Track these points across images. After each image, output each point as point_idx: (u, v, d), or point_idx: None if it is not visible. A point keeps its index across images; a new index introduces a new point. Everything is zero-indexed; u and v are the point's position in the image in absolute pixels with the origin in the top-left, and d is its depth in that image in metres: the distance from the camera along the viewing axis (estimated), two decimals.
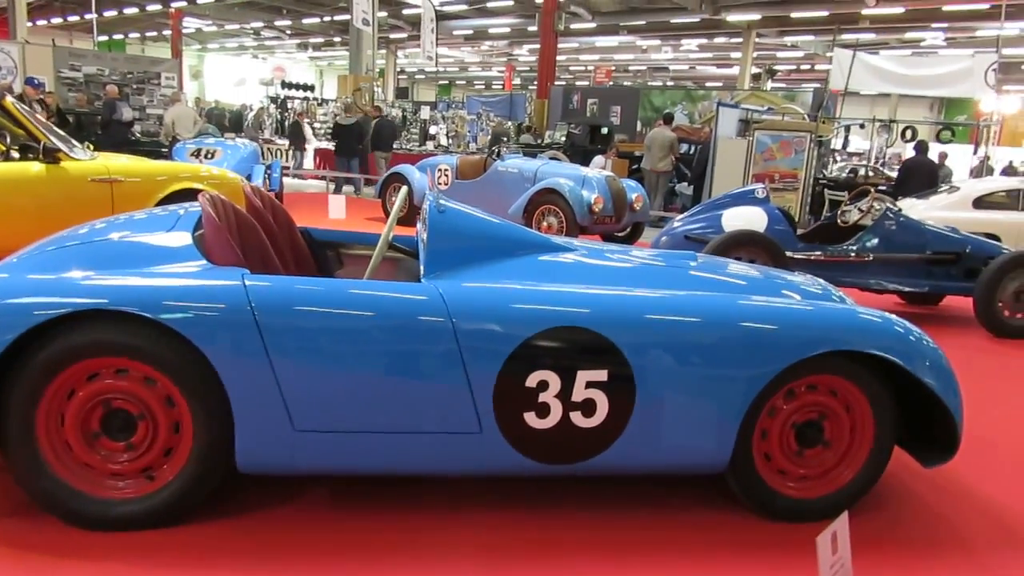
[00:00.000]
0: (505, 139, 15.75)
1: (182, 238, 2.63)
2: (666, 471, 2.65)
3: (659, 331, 2.50)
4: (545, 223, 8.54)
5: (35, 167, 4.92)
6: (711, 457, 2.59)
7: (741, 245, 5.60)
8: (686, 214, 6.74)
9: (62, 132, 5.50)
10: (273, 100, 20.77)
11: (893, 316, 2.73)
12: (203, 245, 2.61)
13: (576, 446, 2.50)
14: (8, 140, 5.35)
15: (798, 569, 2.40)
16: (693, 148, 13.04)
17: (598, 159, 12.72)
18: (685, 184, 13.03)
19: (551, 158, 10.37)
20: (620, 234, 9.48)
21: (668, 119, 12.78)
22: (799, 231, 6.46)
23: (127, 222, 2.96)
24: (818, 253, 6.01)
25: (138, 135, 13.41)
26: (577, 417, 2.47)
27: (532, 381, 2.42)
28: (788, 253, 5.77)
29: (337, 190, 13.55)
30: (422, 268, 2.63)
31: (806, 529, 2.58)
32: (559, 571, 2.32)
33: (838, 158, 16.64)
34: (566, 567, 2.34)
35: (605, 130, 16.31)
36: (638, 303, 2.54)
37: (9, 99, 4.91)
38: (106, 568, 2.19)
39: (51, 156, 4.94)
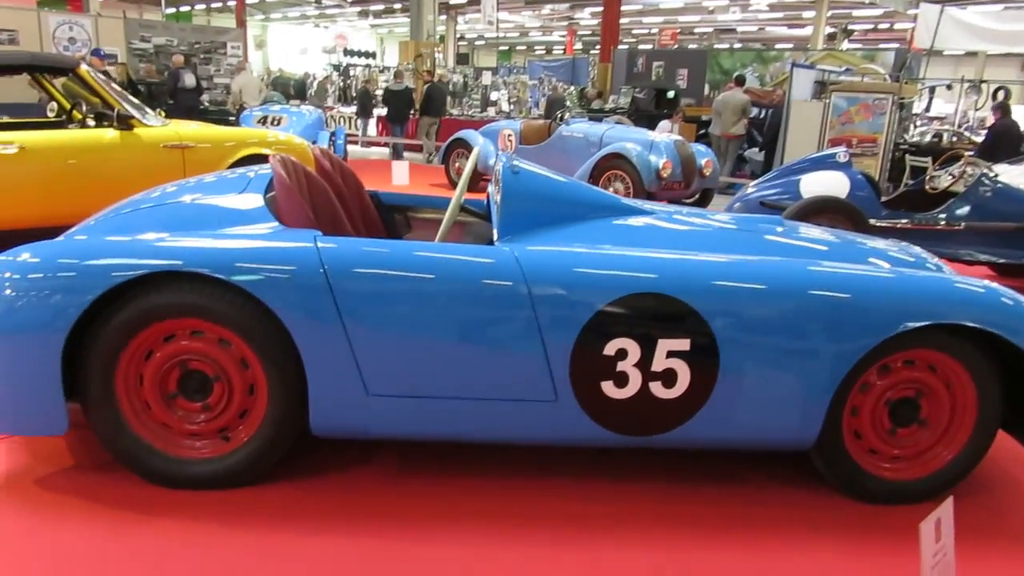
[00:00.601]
0: (567, 105, 15.46)
1: (254, 200, 2.61)
2: (748, 446, 2.53)
3: (746, 299, 2.36)
4: (611, 189, 8.35)
5: (110, 134, 5.00)
6: (797, 433, 2.45)
7: (821, 212, 5.34)
8: (761, 179, 6.47)
9: (135, 100, 5.57)
10: (335, 68, 20.87)
11: (999, 286, 2.53)
12: (274, 207, 2.58)
13: (655, 417, 2.40)
14: (84, 108, 5.45)
15: (887, 552, 2.27)
16: (764, 112, 12.55)
17: (664, 124, 12.37)
18: (756, 150, 12.59)
19: (616, 123, 10.13)
20: (688, 201, 9.22)
21: (740, 81, 12.31)
22: (883, 198, 6.14)
23: (199, 185, 2.95)
24: (904, 221, 5.70)
25: (206, 104, 13.62)
26: (657, 387, 2.37)
27: (610, 349, 2.33)
28: (872, 220, 5.49)
29: (398, 156, 13.58)
30: (495, 231, 2.55)
31: (896, 512, 2.45)
32: (635, 544, 2.24)
33: (919, 122, 15.85)
34: (642, 540, 2.26)
35: (671, 94, 15.84)
36: (724, 269, 2.40)
37: (84, 67, 4.98)
38: (181, 525, 2.21)
39: (125, 123, 5.01)
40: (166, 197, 2.81)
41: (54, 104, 5.86)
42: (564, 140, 9.12)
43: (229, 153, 5.50)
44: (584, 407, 2.38)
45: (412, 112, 13.81)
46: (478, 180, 9.34)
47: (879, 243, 3.04)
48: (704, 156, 8.80)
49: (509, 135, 9.68)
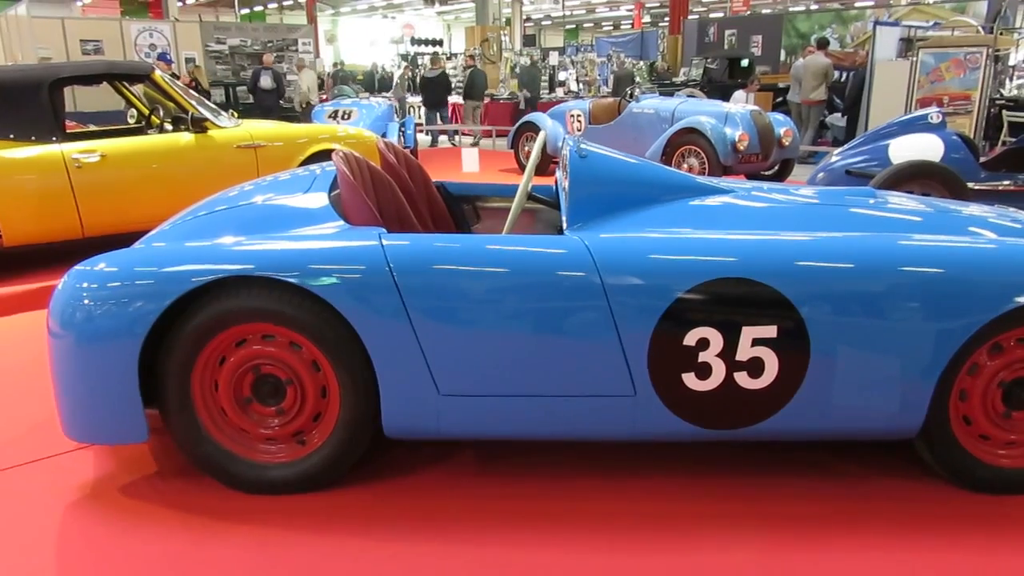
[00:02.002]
0: (636, 81, 15.12)
1: (319, 199, 2.58)
2: (845, 437, 2.36)
3: (837, 280, 2.19)
4: (685, 165, 8.10)
5: (185, 137, 5.11)
6: (899, 421, 2.27)
7: (913, 178, 5.01)
8: (845, 147, 6.12)
9: (208, 102, 5.68)
10: (403, 57, 21.00)
11: None
12: (339, 205, 2.54)
13: (742, 409, 2.26)
14: (161, 113, 5.59)
15: (1004, 547, 2.07)
16: (845, 75, 11.95)
17: (739, 94, 11.92)
18: (838, 115, 12.01)
19: (688, 97, 9.81)
20: (767, 173, 8.87)
21: (822, 44, 11.74)
22: (981, 159, 5.71)
23: (269, 184, 2.95)
24: (1007, 183, 5.28)
25: (286, 102, 13.83)
26: (743, 378, 2.22)
27: (691, 339, 2.19)
28: (970, 185, 5.11)
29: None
30: (564, 219, 2.44)
31: (1013, 503, 2.24)
32: (732, 545, 2.11)
33: (1016, 75, 14.79)
34: (739, 541, 2.13)
35: (745, 62, 15.26)
36: (810, 249, 2.23)
37: (159, 73, 5.10)
38: (256, 531, 2.20)
39: (199, 125, 5.12)
40: (237, 199, 2.81)
41: (134, 111, 6.04)
42: (635, 117, 8.89)
43: (300, 150, 5.56)
44: (665, 401, 2.26)
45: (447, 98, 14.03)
46: (548, 163, 9.22)
47: (980, 210, 2.79)
48: (782, 125, 8.43)
49: (577, 115, 9.50)
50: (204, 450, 2.38)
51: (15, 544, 2.17)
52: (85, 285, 2.30)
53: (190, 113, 5.07)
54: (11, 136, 4.60)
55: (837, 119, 12.08)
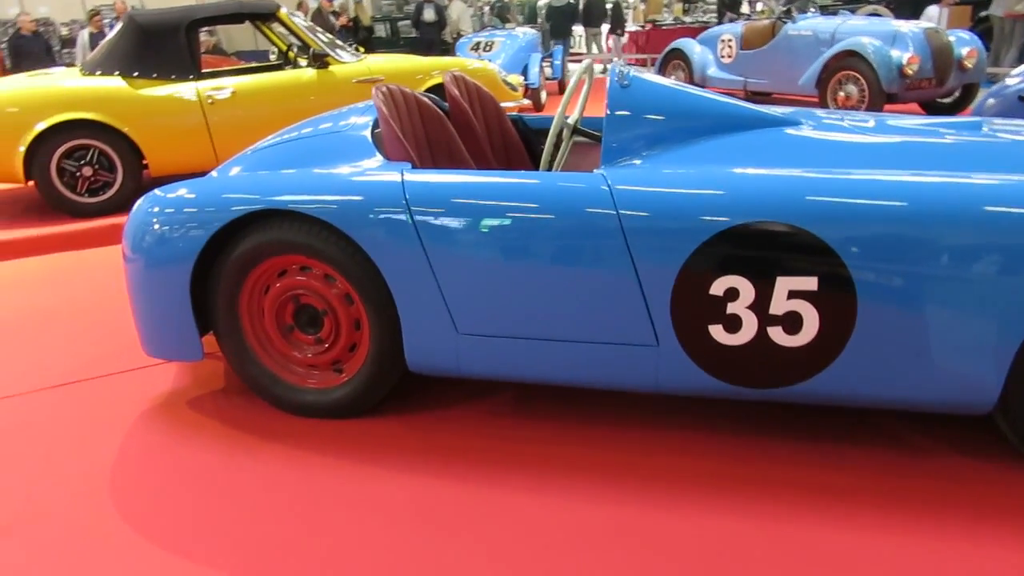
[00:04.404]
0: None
1: (363, 135, 2.59)
2: (899, 407, 2.08)
3: (892, 227, 1.89)
4: (842, 93, 7.36)
5: (308, 73, 5.32)
6: (971, 393, 1.97)
7: None
8: None
9: (331, 38, 5.85)
10: None
11: None
12: (379, 141, 2.55)
13: (776, 368, 2.06)
14: (295, 50, 5.84)
15: None
16: None
17: (931, 10, 10.55)
18: None
19: (871, 14, 8.83)
20: (945, 101, 7.87)
21: None
22: None
23: (332, 117, 3.00)
24: None
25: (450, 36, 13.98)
26: (777, 333, 2.01)
27: (718, 288, 2.01)
28: None
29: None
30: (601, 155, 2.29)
31: None
32: (734, 508, 1.96)
33: None
34: (742, 505, 1.97)
35: None
36: (865, 189, 1.95)
37: (283, 11, 5.30)
38: (287, 451, 2.32)
39: (320, 61, 5.30)
40: (299, 130, 2.89)
41: (275, 48, 6.36)
42: (790, 40, 8.14)
43: (418, 84, 5.61)
44: (690, 354, 2.10)
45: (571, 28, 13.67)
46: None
47: None
48: (966, 45, 7.38)
49: (729, 40, 8.85)
50: (251, 371, 2.53)
51: (86, 441, 2.44)
52: (154, 210, 2.46)
53: (311, 49, 5.26)
54: (154, 75, 5.00)
55: None
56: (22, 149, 4.72)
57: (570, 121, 2.55)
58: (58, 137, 4.78)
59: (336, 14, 11.42)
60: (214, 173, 2.79)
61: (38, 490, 2.21)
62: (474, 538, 1.91)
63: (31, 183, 4.91)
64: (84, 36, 10.37)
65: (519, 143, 3.34)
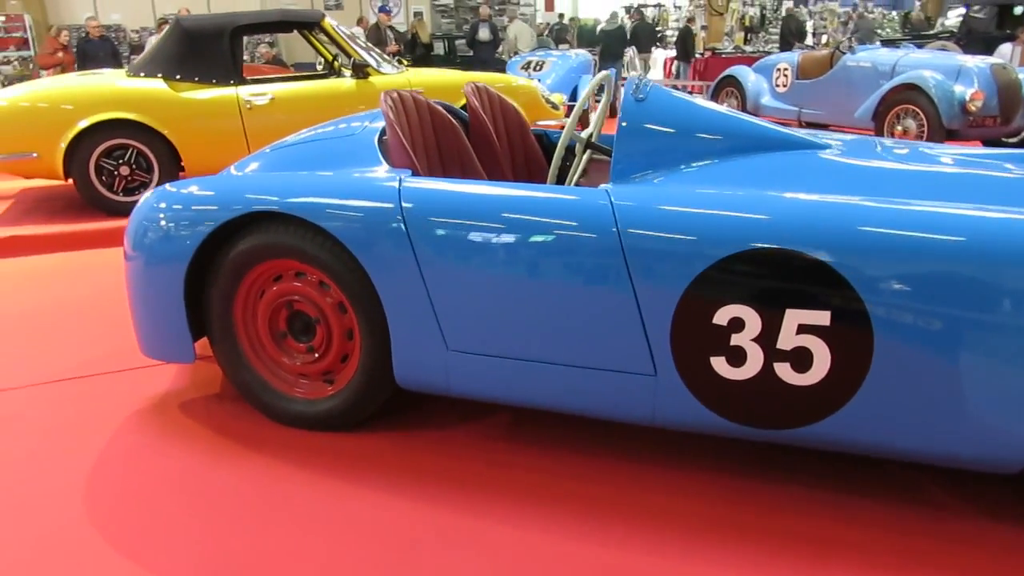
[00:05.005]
0: (877, 32, 13.46)
1: (368, 140, 2.52)
2: (916, 460, 1.89)
3: (916, 264, 1.72)
4: (900, 127, 7.08)
5: (347, 82, 5.32)
6: (1001, 449, 1.78)
7: None
8: None
9: (376, 50, 5.87)
10: (627, 10, 20.42)
11: None
12: (386, 148, 2.47)
13: (782, 407, 1.89)
14: (340, 60, 5.87)
15: None
16: None
17: (1004, 48, 10.16)
18: None
19: (939, 49, 8.52)
20: (1011, 140, 7.52)
21: None
22: None
23: (348, 120, 2.95)
24: None
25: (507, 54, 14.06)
26: (784, 370, 1.85)
27: (721, 318, 1.86)
28: None
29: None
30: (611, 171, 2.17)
31: None
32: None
33: None
34: (733, 553, 1.80)
35: (1020, 10, 12.94)
36: (884, 219, 1.78)
37: (328, 20, 5.33)
38: (269, 462, 2.24)
39: (361, 71, 5.30)
40: (314, 131, 2.85)
41: (321, 59, 6.42)
42: (848, 72, 7.89)
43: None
44: (690, 386, 1.95)
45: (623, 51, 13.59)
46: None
47: None
48: None
49: (785, 69, 8.64)
50: (242, 377, 2.46)
51: (74, 438, 2.40)
52: (162, 205, 2.40)
53: (352, 59, 5.27)
54: (196, 79, 5.06)
55: None
56: (63, 145, 4.81)
57: (583, 135, 2.44)
58: (99, 135, 4.86)
59: (392, 28, 11.55)
60: (232, 168, 2.75)
61: (19, 484, 2.17)
62: (443, 570, 1.79)
63: (70, 180, 5.00)
64: (151, 42, 10.69)
65: (541, 159, 3.24)
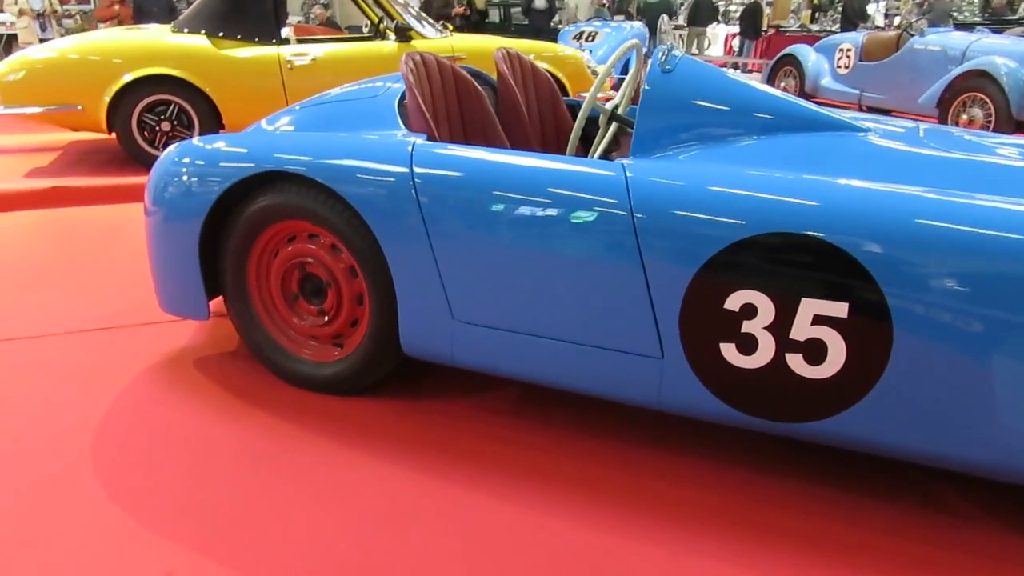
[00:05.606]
0: (951, 14, 12.82)
1: (389, 103, 2.47)
2: (935, 464, 1.78)
3: (944, 259, 1.61)
4: (965, 116, 6.74)
5: (389, 45, 5.27)
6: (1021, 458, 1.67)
7: None
8: None
9: (419, 13, 5.79)
10: None
11: None
12: (406, 112, 2.42)
13: (793, 400, 1.80)
14: (385, 23, 5.81)
15: None
16: None
17: None
18: None
19: (1020, 36, 8.07)
20: None
21: None
22: None
23: (375, 80, 2.91)
24: None
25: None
26: (796, 361, 1.76)
27: (733, 303, 1.77)
28: None
29: None
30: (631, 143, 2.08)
31: None
32: (765, 564, 1.72)
33: None
34: (774, 563, 1.73)
35: None
36: (914, 207, 1.67)
37: None
38: (275, 424, 2.23)
39: (403, 35, 5.24)
40: (337, 93, 2.80)
41: (368, 21, 6.37)
42: (915, 55, 7.53)
43: None
44: (697, 372, 1.87)
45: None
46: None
47: None
48: None
49: (848, 50, 8.30)
50: (255, 337, 2.46)
51: (87, 388, 2.44)
52: (185, 160, 2.39)
53: (395, 22, 5.21)
54: (238, 37, 5.07)
55: None
56: (107, 99, 4.88)
57: (608, 107, 2.35)
58: (141, 90, 4.91)
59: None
60: (264, 123, 2.71)
61: (29, 431, 2.21)
62: (432, 540, 1.76)
63: (113, 135, 5.07)
64: None
65: (571, 127, 3.15)
